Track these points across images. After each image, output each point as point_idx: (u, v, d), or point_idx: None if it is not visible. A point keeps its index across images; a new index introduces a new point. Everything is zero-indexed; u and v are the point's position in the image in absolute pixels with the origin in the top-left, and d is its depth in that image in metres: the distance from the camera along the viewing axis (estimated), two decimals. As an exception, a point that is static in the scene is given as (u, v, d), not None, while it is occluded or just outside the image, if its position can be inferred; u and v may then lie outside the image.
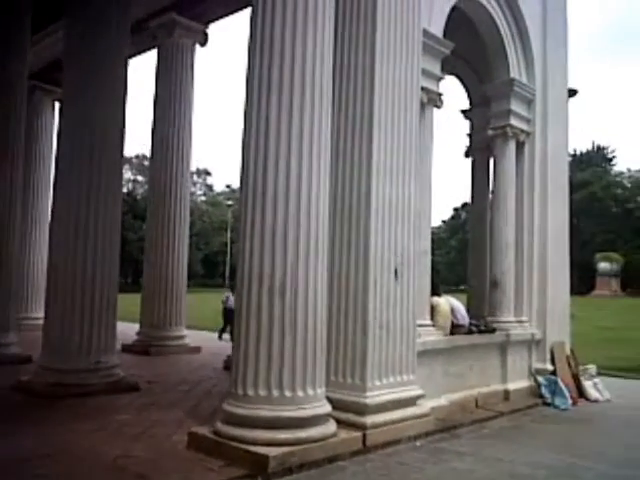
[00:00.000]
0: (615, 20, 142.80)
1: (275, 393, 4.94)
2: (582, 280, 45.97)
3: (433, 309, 7.43)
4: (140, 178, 71.85)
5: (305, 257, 5.10)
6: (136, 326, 12.41)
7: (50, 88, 15.96)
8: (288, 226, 5.06)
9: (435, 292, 7.60)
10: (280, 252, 5.03)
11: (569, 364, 9.10)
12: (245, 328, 5.07)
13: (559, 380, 8.56)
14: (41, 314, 9.05)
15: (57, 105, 15.93)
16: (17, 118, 10.38)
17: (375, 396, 5.87)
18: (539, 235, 9.09)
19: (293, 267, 5.05)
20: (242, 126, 5.41)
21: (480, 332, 8.12)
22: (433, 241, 7.67)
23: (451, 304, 7.86)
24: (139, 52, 13.48)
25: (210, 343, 13.24)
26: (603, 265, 54.90)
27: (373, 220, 6.00)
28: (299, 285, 5.06)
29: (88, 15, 8.04)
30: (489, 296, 9.01)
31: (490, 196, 9.77)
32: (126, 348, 11.59)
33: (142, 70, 16.58)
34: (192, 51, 12.81)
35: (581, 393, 8.88)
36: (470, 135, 10.22)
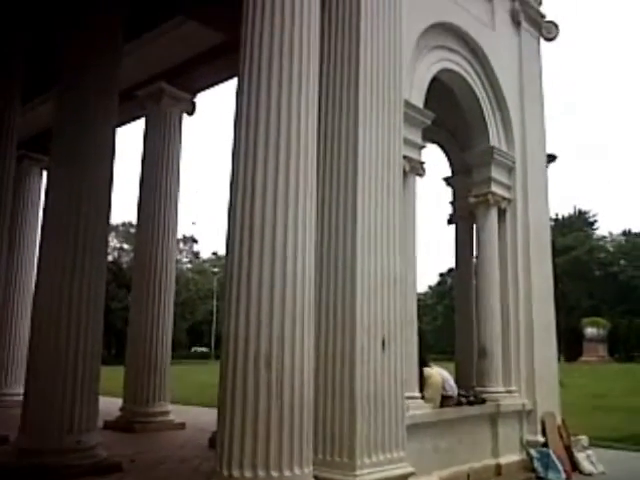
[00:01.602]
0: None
1: (261, 474, 4.72)
2: (569, 346, 45.82)
3: (424, 381, 7.30)
4: (126, 246, 71.68)
5: (291, 330, 5.02)
6: (119, 401, 12.06)
7: (38, 157, 16.08)
8: (274, 297, 5.00)
9: (424, 362, 7.49)
10: (266, 324, 4.95)
11: (561, 435, 8.90)
12: (230, 401, 4.92)
13: (551, 453, 8.34)
14: (21, 390, 8.76)
15: (44, 173, 16.01)
16: (4, 186, 10.37)
17: (365, 475, 5.66)
18: (524, 301, 9.08)
19: (279, 339, 4.96)
20: (228, 195, 5.43)
21: (470, 403, 7.95)
22: (419, 307, 7.63)
23: (441, 375, 7.74)
24: (127, 120, 13.68)
25: (195, 418, 12.88)
26: (590, 330, 54.89)
27: (359, 290, 5.97)
28: (285, 357, 4.96)
29: (77, 85, 8.15)
30: (477, 365, 8.89)
31: (474, 261, 9.80)
32: (109, 425, 11.21)
33: (129, 137, 16.86)
34: (180, 120, 13.00)
35: (574, 466, 8.64)
36: (453, 202, 10.34)
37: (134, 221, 15.04)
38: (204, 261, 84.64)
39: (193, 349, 65.04)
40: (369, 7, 6.61)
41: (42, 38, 10.31)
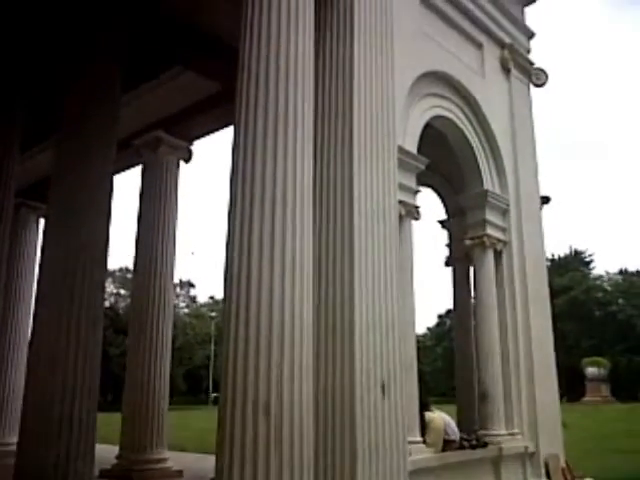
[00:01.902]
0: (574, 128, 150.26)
1: (260, 529, 4.64)
2: (571, 386, 45.39)
3: (426, 425, 7.23)
4: (123, 291, 71.36)
5: (290, 376, 4.99)
6: (115, 448, 11.86)
7: (36, 205, 16.17)
8: (272, 343, 4.99)
9: (425, 406, 7.43)
10: (264, 370, 4.93)
11: (565, 477, 8.79)
12: (229, 447, 4.85)
13: (556, 496, 8.23)
14: (15, 439, 8.63)
15: (42, 221, 16.09)
16: (1, 234, 10.40)
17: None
18: (524, 342, 9.06)
19: (278, 385, 4.93)
20: (225, 239, 5.47)
21: (472, 447, 7.87)
22: (419, 349, 7.62)
23: (443, 419, 7.67)
24: (124, 168, 13.83)
25: (193, 465, 12.67)
26: (591, 370, 54.35)
27: (357, 334, 5.96)
28: (284, 404, 4.92)
29: (76, 134, 8.27)
30: (479, 408, 8.82)
31: (472, 303, 9.82)
32: (104, 473, 11.00)
33: (126, 183, 17.08)
34: (176, 167, 13.13)
35: (580, 509, 8.52)
36: (449, 245, 10.42)
37: (131, 266, 15.05)
38: (201, 305, 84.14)
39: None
40: (362, 57, 6.78)
41: (42, 87, 10.49)
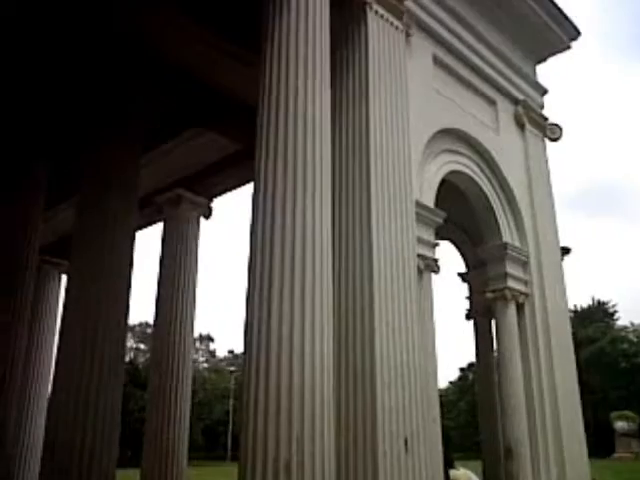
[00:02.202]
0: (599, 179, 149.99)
1: None
2: (600, 442, 43.87)
3: (451, 484, 7.08)
4: (142, 346, 71.32)
5: (311, 432, 4.95)
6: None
7: (58, 261, 16.41)
8: (293, 398, 4.98)
9: (449, 463, 7.28)
10: (285, 426, 4.90)
11: (596, 539, 8.46)
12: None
13: None
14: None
15: (64, 277, 16.30)
16: (25, 291, 10.57)
17: None
18: (549, 395, 8.89)
19: (299, 441, 4.89)
20: (245, 293, 5.55)
21: (497, 505, 7.65)
22: (442, 404, 7.50)
23: (468, 477, 7.49)
24: (145, 225, 14.07)
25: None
26: (620, 425, 52.55)
27: (379, 389, 5.91)
28: (305, 461, 4.87)
29: (98, 192, 8.49)
30: (505, 466, 8.59)
31: (495, 356, 9.70)
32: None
33: (147, 239, 17.37)
34: (197, 223, 13.34)
35: None
36: (469, 298, 10.36)
37: (151, 321, 15.12)
38: (220, 360, 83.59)
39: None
40: (377, 116, 6.96)
41: (65, 147, 10.82)
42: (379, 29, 7.42)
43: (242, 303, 5.60)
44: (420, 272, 7.25)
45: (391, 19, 7.61)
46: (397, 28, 7.71)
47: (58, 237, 14.73)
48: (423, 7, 8.41)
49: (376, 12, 7.44)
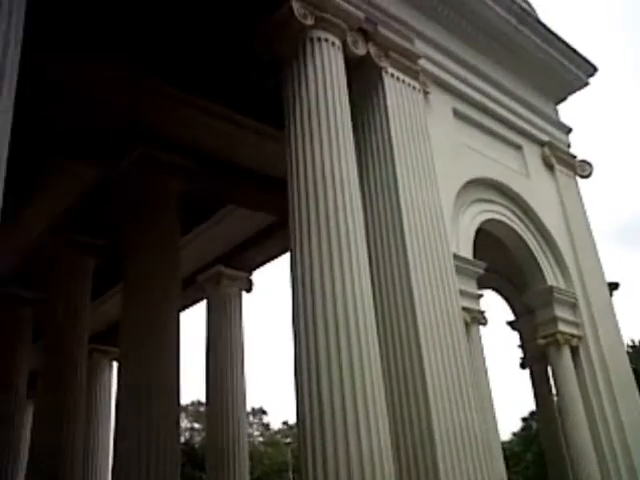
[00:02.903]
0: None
1: None
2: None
3: None
4: (197, 425, 70.74)
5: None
6: None
7: (107, 349, 16.65)
8: (352, 469, 4.89)
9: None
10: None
11: None
12: None
13: None
14: None
15: (115, 364, 16.52)
16: (78, 381, 10.73)
17: None
18: (617, 436, 8.46)
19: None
20: (293, 363, 5.57)
21: None
22: (507, 458, 7.24)
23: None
24: (190, 304, 14.27)
25: None
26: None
27: (439, 452, 5.73)
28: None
29: (142, 276, 8.71)
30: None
31: (555, 401, 9.38)
32: None
33: (193, 318, 17.63)
34: (239, 298, 13.48)
35: None
36: (521, 346, 10.10)
37: (203, 399, 15.10)
38: (276, 432, 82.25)
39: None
40: (404, 174, 7.04)
41: (109, 236, 11.15)
42: (397, 90, 7.60)
43: (292, 373, 5.61)
44: (467, 326, 7.14)
45: (407, 80, 7.79)
46: (414, 88, 7.88)
47: (106, 326, 15.03)
48: (438, 64, 8.60)
49: (392, 75, 7.64)
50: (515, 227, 9.01)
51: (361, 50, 7.36)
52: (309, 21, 6.73)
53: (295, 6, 6.64)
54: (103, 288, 13.05)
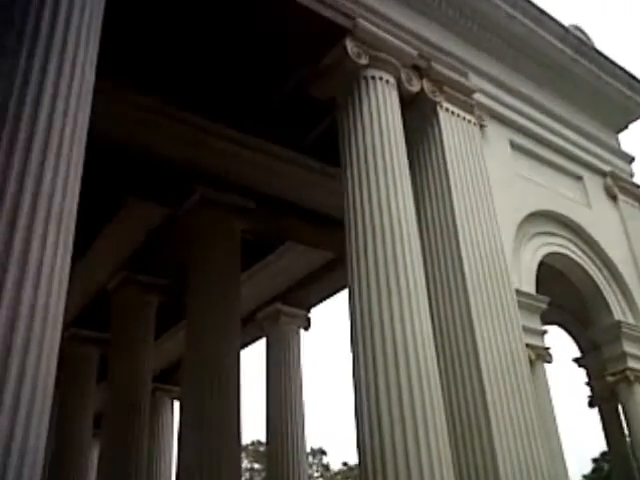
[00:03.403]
0: None
1: None
2: None
3: None
4: (257, 466, 70.35)
5: None
6: None
7: (169, 388, 16.87)
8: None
9: None
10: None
11: None
12: None
13: None
14: None
15: (176, 403, 16.71)
16: (141, 420, 10.87)
17: None
18: None
19: None
20: (353, 404, 5.51)
21: None
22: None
23: None
24: (249, 342, 14.36)
25: None
26: None
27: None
28: None
29: (203, 315, 8.82)
30: None
31: (628, 441, 8.93)
32: None
33: (252, 356, 17.67)
34: (297, 335, 13.49)
35: None
36: (589, 384, 9.71)
37: (263, 439, 15.06)
38: (335, 473, 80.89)
39: None
40: (462, 210, 6.99)
41: (172, 276, 11.39)
42: (452, 124, 7.59)
43: (352, 412, 5.55)
44: (532, 363, 6.92)
45: (462, 114, 7.78)
46: (470, 121, 7.85)
47: (167, 365, 15.29)
48: (493, 97, 8.55)
49: (447, 109, 7.64)
50: (579, 260, 8.75)
51: (415, 86, 7.41)
52: (363, 60, 6.83)
53: (349, 46, 6.77)
54: (165, 327, 13.30)
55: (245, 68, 7.89)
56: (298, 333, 13.52)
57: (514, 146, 8.67)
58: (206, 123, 8.65)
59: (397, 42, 7.18)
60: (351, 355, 5.73)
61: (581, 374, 9.97)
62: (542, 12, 8.97)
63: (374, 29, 7.00)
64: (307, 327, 13.64)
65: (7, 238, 3.78)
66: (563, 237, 8.71)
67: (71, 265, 4.21)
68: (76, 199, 4.35)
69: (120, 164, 8.73)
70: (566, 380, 15.47)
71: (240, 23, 7.08)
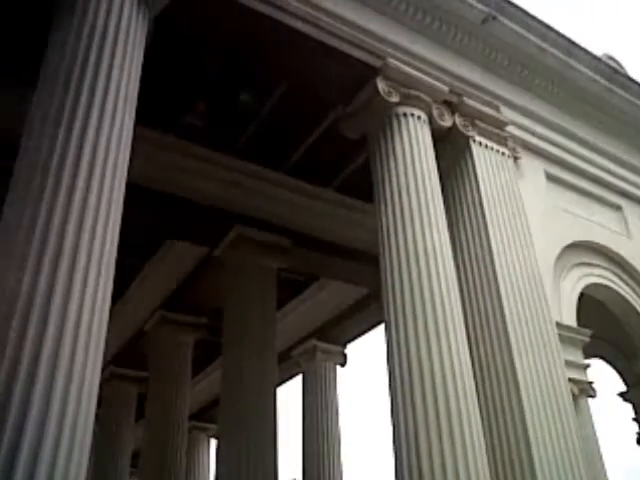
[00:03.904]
0: None
1: None
2: None
3: None
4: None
5: None
6: None
7: (206, 426, 16.87)
8: None
9: None
10: None
11: None
12: None
13: None
14: None
15: (212, 441, 16.69)
16: (178, 458, 10.83)
17: None
18: None
19: None
20: (392, 444, 5.43)
21: None
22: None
23: None
24: (285, 380, 14.31)
25: None
26: None
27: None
28: None
29: (239, 352, 8.79)
30: None
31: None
32: None
33: (288, 393, 17.63)
34: (334, 372, 13.40)
35: None
36: (636, 419, 9.39)
37: (299, 477, 14.87)
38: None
39: None
40: (499, 243, 6.90)
41: (207, 313, 11.47)
42: (485, 158, 7.56)
43: (390, 450, 5.48)
44: (575, 398, 6.74)
45: (496, 147, 7.76)
46: (503, 154, 7.82)
47: (204, 403, 15.33)
48: (526, 129, 8.50)
49: (480, 143, 7.63)
50: (620, 292, 8.55)
51: (447, 121, 7.43)
52: (394, 98, 6.89)
53: (380, 85, 6.83)
54: (202, 365, 13.36)
55: (279, 111, 8.05)
56: (334, 369, 13.43)
57: (550, 177, 8.58)
58: (242, 164, 8.82)
59: (428, 79, 7.23)
60: (389, 391, 5.67)
61: (628, 409, 9.67)
62: (572, 43, 8.92)
63: (404, 67, 7.07)
64: (343, 363, 13.55)
65: (51, 279, 3.93)
66: (603, 268, 8.54)
67: (111, 305, 4.33)
68: (116, 242, 4.49)
69: (158, 205, 8.90)
70: (613, 416, 14.97)
71: (273, 69, 7.24)
